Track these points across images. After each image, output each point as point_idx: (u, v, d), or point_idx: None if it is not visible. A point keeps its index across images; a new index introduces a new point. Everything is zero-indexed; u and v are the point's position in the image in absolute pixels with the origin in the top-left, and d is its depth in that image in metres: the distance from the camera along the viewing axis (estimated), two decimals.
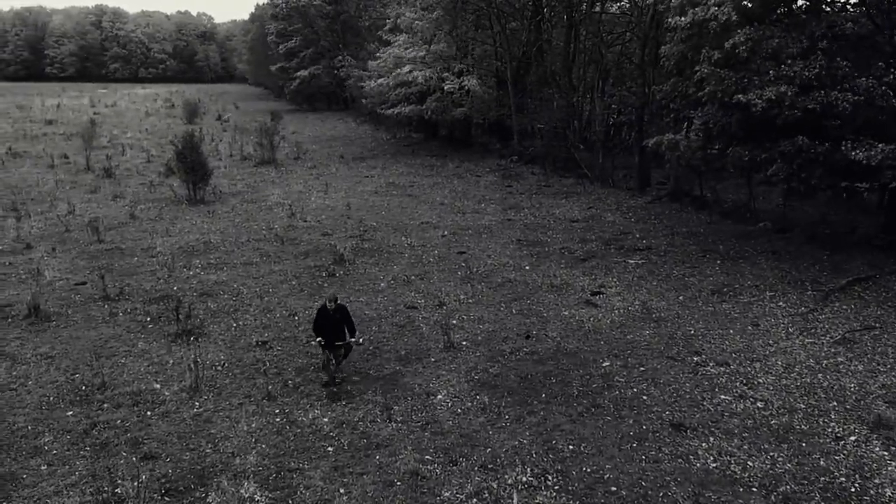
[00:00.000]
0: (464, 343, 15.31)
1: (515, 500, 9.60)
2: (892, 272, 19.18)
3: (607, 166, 34.08)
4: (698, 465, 10.63)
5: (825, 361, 14.20)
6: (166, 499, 9.93)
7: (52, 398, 12.90)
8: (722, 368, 13.94)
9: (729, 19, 19.54)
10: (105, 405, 12.62)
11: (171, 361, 14.39)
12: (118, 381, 13.55)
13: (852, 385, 13.17)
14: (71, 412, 12.40)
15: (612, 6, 37.74)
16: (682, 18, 20.78)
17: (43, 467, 10.74)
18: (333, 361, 13.36)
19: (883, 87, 18.04)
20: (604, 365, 14.17)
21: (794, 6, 21.51)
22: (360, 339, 14.32)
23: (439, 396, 12.90)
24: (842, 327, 15.92)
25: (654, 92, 23.62)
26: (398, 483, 10.22)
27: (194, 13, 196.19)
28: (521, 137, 40.98)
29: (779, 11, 20.96)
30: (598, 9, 36.87)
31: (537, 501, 9.74)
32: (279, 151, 42.48)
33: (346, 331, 13.32)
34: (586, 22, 37.15)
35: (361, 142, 51.41)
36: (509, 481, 10.18)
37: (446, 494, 9.96)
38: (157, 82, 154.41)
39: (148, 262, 21.08)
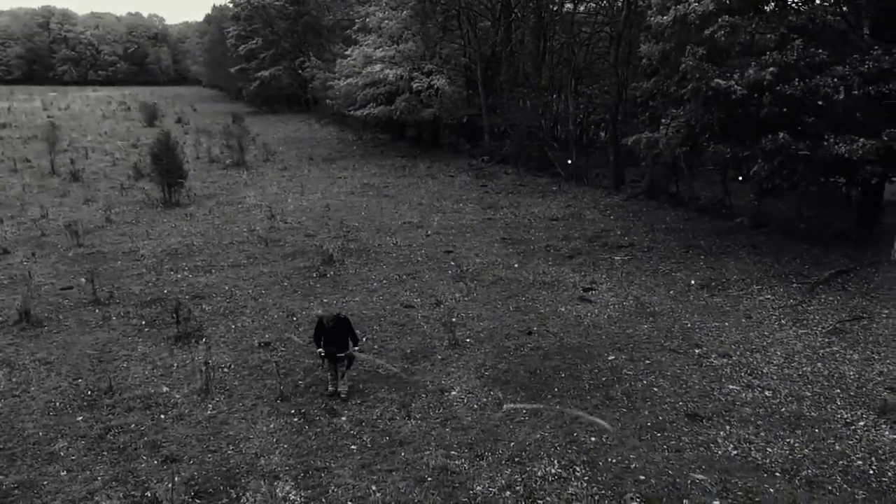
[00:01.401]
0: (468, 340, 15.39)
1: None
2: (870, 264, 19.75)
3: (581, 165, 34.44)
4: (720, 452, 10.86)
5: (822, 351, 14.60)
6: (197, 501, 9.82)
7: (58, 403, 12.65)
8: (724, 360, 14.25)
9: (706, 10, 19.91)
10: (116, 409, 12.41)
11: (176, 364, 14.20)
12: (124, 385, 13.34)
13: (851, 373, 13.57)
14: (81, 417, 12.18)
15: (581, 6, 38.09)
16: (664, 17, 21.14)
17: (62, 473, 10.53)
18: (334, 373, 12.90)
19: (858, 78, 18.52)
20: (609, 359, 14.37)
21: (766, 6, 21.95)
22: (360, 347, 13.54)
23: (453, 393, 12.95)
24: (831, 318, 16.36)
25: (634, 89, 23.96)
26: (429, 479, 10.25)
27: (145, 14, 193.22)
28: (492, 137, 41.19)
29: (756, 7, 21.39)
30: (568, 7, 37.21)
31: (569, 493, 9.86)
32: (247, 153, 42.03)
33: (350, 341, 12.82)
34: (557, 21, 37.51)
35: (328, 143, 51.12)
36: (539, 474, 10.29)
37: (478, 488, 10.03)
38: (108, 85, 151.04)
39: (133, 265, 20.74)
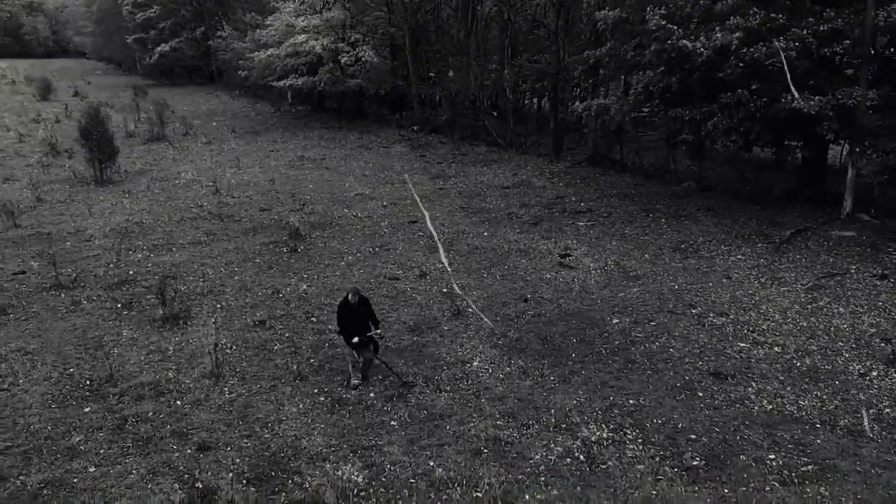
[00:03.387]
0: (469, 310, 15.18)
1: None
2: (824, 222, 20.65)
3: (519, 133, 34.51)
4: (756, 408, 11.11)
5: (810, 306, 15.13)
6: (251, 488, 9.30)
7: (56, 395, 11.78)
8: (724, 318, 14.57)
9: None
10: (124, 398, 11.64)
11: (171, 348, 13.43)
12: (124, 372, 12.52)
13: (845, 326, 14.12)
14: (88, 408, 11.37)
15: None
16: None
17: (91, 469, 9.79)
18: (360, 361, 12.03)
19: (815, 40, 19.23)
20: (614, 322, 14.48)
21: None
22: (381, 333, 12.51)
23: (475, 363, 12.76)
24: (806, 275, 16.97)
25: (587, 57, 24.06)
26: (485, 451, 10.05)
27: None
28: (421, 107, 40.73)
29: None
30: None
31: (629, 456, 9.88)
32: (166, 127, 40.11)
33: (371, 325, 12.12)
34: None
35: (245, 115, 49.35)
36: (592, 439, 10.25)
37: (536, 457, 9.91)
38: None
39: (85, 246, 19.47)
